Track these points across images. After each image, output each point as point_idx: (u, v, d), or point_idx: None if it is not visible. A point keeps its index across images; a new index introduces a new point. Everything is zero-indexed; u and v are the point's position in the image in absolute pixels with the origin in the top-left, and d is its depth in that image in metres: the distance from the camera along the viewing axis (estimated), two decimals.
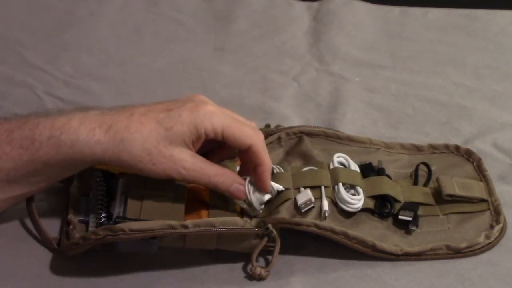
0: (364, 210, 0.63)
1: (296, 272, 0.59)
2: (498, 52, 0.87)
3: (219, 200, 0.61)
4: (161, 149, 0.54)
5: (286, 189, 0.63)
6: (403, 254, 0.60)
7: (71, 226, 0.58)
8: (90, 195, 0.60)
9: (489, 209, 0.65)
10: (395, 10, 0.94)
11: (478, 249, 0.61)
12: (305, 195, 0.61)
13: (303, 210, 0.61)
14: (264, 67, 0.85)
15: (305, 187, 0.63)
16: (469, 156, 0.70)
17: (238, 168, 0.64)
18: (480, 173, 0.68)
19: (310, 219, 0.61)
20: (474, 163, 0.69)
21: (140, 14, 0.94)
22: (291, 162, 0.68)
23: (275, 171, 0.65)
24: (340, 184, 0.63)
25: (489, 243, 0.62)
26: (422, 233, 0.63)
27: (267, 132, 0.70)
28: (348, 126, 0.75)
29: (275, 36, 0.90)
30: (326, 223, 0.60)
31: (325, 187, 0.63)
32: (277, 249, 0.58)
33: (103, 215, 0.59)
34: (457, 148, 0.71)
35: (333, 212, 0.62)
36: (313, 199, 0.61)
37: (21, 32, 0.89)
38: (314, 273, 0.59)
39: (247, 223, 0.58)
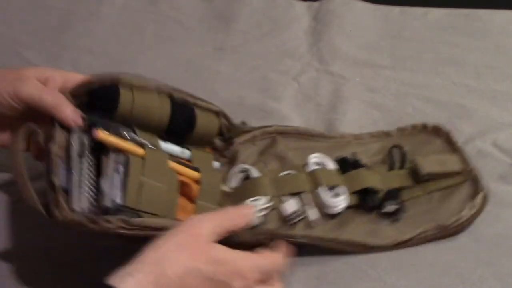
0: (349, 207, 0.63)
1: (296, 272, 0.59)
2: (498, 52, 0.87)
3: (205, 196, 0.61)
4: None
5: (270, 197, 0.63)
6: (396, 244, 0.61)
7: (58, 194, 0.54)
8: (74, 161, 0.56)
9: (468, 179, 0.66)
10: (395, 10, 0.94)
11: (465, 220, 0.62)
12: (291, 206, 0.62)
13: (291, 223, 0.62)
14: (264, 67, 0.85)
15: (286, 195, 0.63)
16: (437, 132, 0.71)
17: (217, 164, 0.66)
18: (451, 145, 0.69)
19: (299, 229, 0.61)
20: (443, 137, 0.70)
21: (140, 14, 0.94)
22: (267, 164, 0.68)
23: (253, 176, 0.65)
24: (322, 188, 0.63)
25: (475, 212, 0.63)
26: (410, 217, 0.63)
27: (243, 129, 0.70)
28: (348, 126, 0.75)
29: (275, 36, 0.91)
30: (316, 232, 0.61)
31: (305, 192, 0.64)
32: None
33: (93, 191, 0.56)
34: (424, 126, 0.72)
35: (317, 218, 0.63)
36: (300, 210, 0.62)
37: (21, 32, 0.89)
38: (314, 273, 0.59)
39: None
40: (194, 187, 0.61)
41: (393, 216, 0.63)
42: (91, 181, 0.56)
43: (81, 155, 0.56)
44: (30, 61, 0.84)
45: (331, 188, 0.64)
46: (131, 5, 0.95)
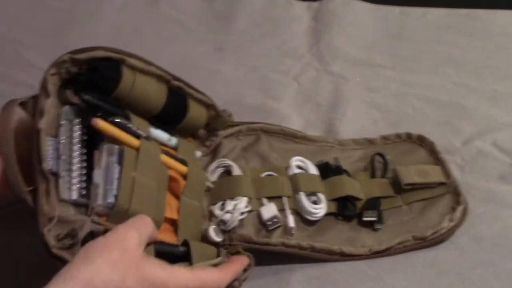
0: (327, 214, 0.63)
1: (296, 272, 0.59)
2: (498, 52, 0.87)
3: (190, 192, 0.60)
4: None
5: (249, 198, 0.62)
6: (372, 253, 0.60)
7: (49, 183, 0.51)
8: (63, 147, 0.53)
9: (449, 191, 0.65)
10: (395, 10, 0.94)
11: (444, 233, 0.61)
12: (270, 211, 0.61)
13: (270, 228, 0.60)
14: (264, 67, 0.85)
15: (267, 198, 0.62)
16: (421, 142, 0.70)
17: (198, 154, 0.65)
18: (434, 156, 0.69)
19: (276, 236, 0.60)
20: (427, 148, 0.70)
21: (140, 14, 0.94)
22: (249, 161, 0.67)
23: (234, 173, 0.64)
24: (302, 194, 0.62)
25: (454, 225, 0.62)
26: (388, 227, 0.63)
27: (229, 123, 0.68)
28: (348, 126, 0.75)
29: (275, 36, 0.90)
30: (293, 240, 0.59)
31: (286, 197, 0.63)
32: (251, 267, 0.57)
33: (83, 185, 0.53)
34: (408, 135, 0.71)
35: (297, 222, 0.62)
36: (279, 215, 0.60)
37: (21, 32, 0.89)
38: (315, 273, 0.59)
39: (222, 252, 0.57)
40: (182, 183, 0.60)
41: (372, 225, 0.63)
42: (82, 171, 0.54)
43: (72, 143, 0.54)
44: (30, 61, 0.83)
45: (310, 194, 0.63)
46: (131, 5, 0.95)
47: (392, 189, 0.66)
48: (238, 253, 0.58)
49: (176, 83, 0.62)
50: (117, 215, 0.52)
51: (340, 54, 0.87)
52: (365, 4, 0.95)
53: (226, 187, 0.63)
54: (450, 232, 0.62)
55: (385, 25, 0.92)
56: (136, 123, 0.58)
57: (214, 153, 0.67)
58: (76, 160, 0.54)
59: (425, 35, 0.90)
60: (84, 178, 0.53)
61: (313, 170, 0.66)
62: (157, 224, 0.54)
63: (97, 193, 0.52)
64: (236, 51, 0.88)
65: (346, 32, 0.90)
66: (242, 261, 0.56)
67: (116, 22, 0.92)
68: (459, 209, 0.63)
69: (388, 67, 0.85)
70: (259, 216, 0.61)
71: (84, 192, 0.53)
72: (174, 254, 0.54)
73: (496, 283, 0.59)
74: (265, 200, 0.63)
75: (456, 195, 0.65)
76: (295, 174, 0.64)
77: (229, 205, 0.61)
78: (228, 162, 0.65)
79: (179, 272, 0.49)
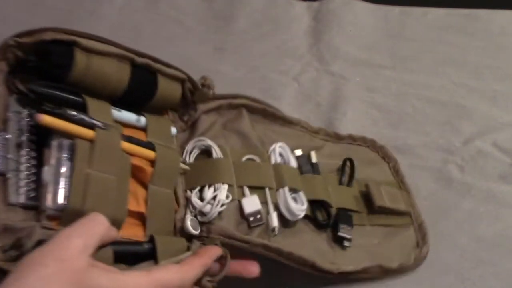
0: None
1: (296, 271, 0.59)
2: (498, 52, 0.87)
3: (159, 179, 0.54)
4: None
5: (229, 185, 0.56)
6: (339, 273, 0.57)
7: None
8: (11, 145, 0.49)
9: (412, 223, 0.64)
10: (395, 10, 0.94)
11: (408, 267, 0.60)
12: (253, 204, 0.56)
13: (252, 225, 0.56)
14: (264, 67, 0.85)
15: (249, 187, 0.57)
16: (384, 155, 0.70)
17: (174, 130, 0.59)
18: (397, 177, 0.68)
19: (257, 235, 0.55)
20: (390, 164, 0.69)
21: (140, 14, 0.94)
22: (228, 139, 0.61)
23: (215, 155, 0.58)
24: (286, 189, 0.58)
25: (417, 264, 0.61)
26: (354, 248, 0.60)
27: (209, 96, 0.62)
28: (348, 126, 0.75)
29: (275, 36, 0.90)
30: (274, 244, 0.54)
31: (269, 188, 0.58)
32: (228, 263, 0.51)
33: (32, 187, 0.49)
34: (373, 143, 0.70)
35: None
36: (262, 211, 0.56)
37: None
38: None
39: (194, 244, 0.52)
40: (149, 171, 0.54)
41: (341, 242, 0.60)
42: (31, 170, 0.49)
43: (19, 144, 0.49)
44: None
45: (292, 190, 0.59)
46: (131, 5, 0.95)
47: (360, 204, 0.63)
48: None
49: (141, 60, 0.56)
50: (70, 217, 0.46)
51: (340, 54, 0.87)
52: (365, 4, 0.95)
53: (204, 171, 0.57)
54: (413, 269, 0.60)
55: (385, 25, 0.92)
56: (96, 108, 0.53)
57: (192, 129, 0.62)
58: (24, 158, 0.49)
59: (425, 35, 0.90)
60: (34, 178, 0.49)
61: (293, 161, 0.62)
62: (119, 222, 0.50)
63: (46, 194, 0.47)
64: (236, 51, 0.88)
65: (346, 32, 0.90)
66: (211, 253, 0.50)
67: (116, 22, 0.92)
68: (425, 248, 0.62)
69: (388, 67, 0.85)
70: (240, 206, 0.56)
71: (33, 194, 0.48)
72: (137, 253, 0.50)
73: (496, 283, 0.59)
74: (247, 190, 0.57)
75: (421, 232, 0.63)
76: (280, 166, 0.60)
77: (208, 192, 0.55)
78: (207, 142, 0.59)
79: (132, 277, 0.43)
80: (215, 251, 0.51)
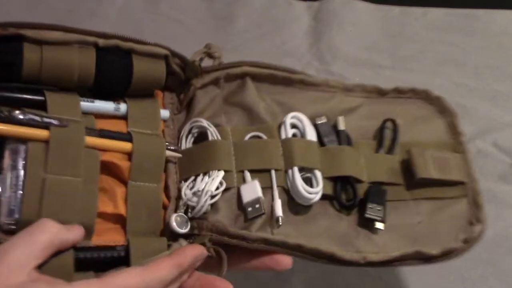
0: (321, 197, 0.50)
1: (296, 272, 0.59)
2: (498, 52, 0.87)
3: (140, 173, 0.48)
4: None
5: (225, 171, 0.49)
6: (366, 263, 0.48)
7: None
8: None
9: (466, 195, 0.53)
10: (395, 10, 0.94)
11: (452, 255, 0.50)
12: (252, 192, 0.48)
13: (249, 217, 0.48)
14: None
15: (250, 171, 0.49)
16: (441, 109, 0.57)
17: (166, 114, 0.53)
18: (455, 136, 0.56)
19: (257, 227, 0.47)
20: (447, 119, 0.57)
21: (140, 14, 0.94)
22: (230, 116, 0.53)
23: (210, 137, 0.50)
24: (296, 169, 0.49)
25: (466, 248, 0.50)
26: (388, 231, 0.50)
27: (203, 69, 0.55)
28: None
29: (275, 36, 0.90)
30: (278, 236, 0.47)
31: (276, 170, 0.50)
32: (224, 263, 0.45)
33: None
34: (426, 94, 0.59)
35: (283, 203, 0.49)
36: (262, 199, 0.48)
37: None
38: (314, 272, 0.59)
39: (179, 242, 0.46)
40: (125, 166, 0.48)
41: (371, 223, 0.50)
42: None
43: None
44: None
45: (305, 169, 0.50)
46: (131, 5, 0.95)
47: (400, 175, 0.52)
48: (203, 245, 0.46)
49: (106, 42, 0.51)
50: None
51: (340, 54, 0.87)
52: (365, 4, 0.95)
53: (198, 157, 0.50)
54: (461, 254, 0.50)
55: (385, 25, 0.92)
56: (60, 103, 0.48)
57: (188, 109, 0.54)
58: None
59: (425, 35, 0.90)
60: None
61: (311, 132, 0.52)
62: (89, 227, 0.45)
63: (1, 206, 0.43)
64: (236, 51, 0.88)
65: (346, 32, 0.90)
66: (187, 252, 0.44)
67: (116, 22, 0.92)
68: (478, 228, 0.50)
69: (388, 67, 0.85)
70: (239, 195, 0.49)
71: None
72: (109, 259, 0.45)
73: (496, 283, 0.59)
74: (248, 175, 0.49)
75: (476, 206, 0.52)
76: (289, 140, 0.50)
77: (198, 182, 0.48)
78: (202, 122, 0.52)
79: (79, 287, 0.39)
80: (193, 249, 0.45)
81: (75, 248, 0.44)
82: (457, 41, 0.88)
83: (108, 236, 0.47)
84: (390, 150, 0.55)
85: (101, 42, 0.50)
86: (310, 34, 0.91)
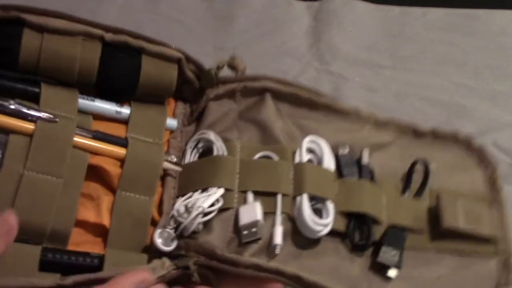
0: (330, 233, 0.45)
1: None
2: (499, 52, 0.87)
3: (131, 183, 0.44)
4: None
5: (226, 189, 0.45)
6: None
7: None
8: None
9: (497, 254, 0.47)
10: (395, 10, 0.94)
11: None
12: (251, 213, 0.43)
13: (243, 240, 0.43)
14: (264, 67, 0.85)
15: (255, 193, 0.45)
16: (481, 159, 0.53)
17: (173, 123, 0.49)
18: (492, 190, 0.50)
19: (251, 253, 0.43)
20: (487, 172, 0.52)
21: (140, 14, 0.94)
22: (243, 132, 0.49)
23: (215, 152, 0.46)
24: (305, 197, 0.45)
25: None
26: (402, 279, 0.45)
27: (219, 79, 0.50)
28: None
29: (275, 36, 0.90)
30: (272, 262, 0.42)
31: (283, 195, 0.45)
32: None
33: None
34: (468, 141, 0.53)
35: (287, 233, 0.45)
36: (261, 222, 0.43)
37: None
38: None
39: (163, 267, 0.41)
40: (114, 173, 0.44)
41: (383, 270, 0.46)
42: None
43: None
44: None
45: (316, 199, 0.46)
46: (131, 5, 0.95)
47: (424, 222, 0.48)
48: (186, 268, 0.41)
49: (113, 37, 0.48)
50: None
51: (340, 54, 0.87)
52: (365, 4, 0.95)
53: (199, 172, 0.46)
54: None
55: (385, 25, 0.92)
56: (55, 98, 0.45)
57: (198, 121, 0.50)
58: None
59: (425, 35, 0.90)
60: None
61: (329, 160, 0.47)
62: (61, 234, 0.42)
63: None
64: (236, 51, 0.88)
65: (346, 32, 0.90)
66: (127, 280, 0.39)
67: (116, 22, 0.91)
68: None
69: (388, 67, 0.85)
70: (237, 217, 0.44)
71: None
72: (79, 266, 0.42)
73: None
74: (250, 195, 0.45)
75: (506, 268, 0.46)
76: (302, 165, 0.46)
77: (193, 198, 0.44)
78: (209, 136, 0.48)
79: None
80: (131, 277, 0.39)
81: (45, 248, 0.41)
82: (457, 41, 0.88)
83: (86, 248, 0.44)
84: (417, 194, 0.50)
85: (108, 36, 0.47)
86: (310, 34, 0.91)
